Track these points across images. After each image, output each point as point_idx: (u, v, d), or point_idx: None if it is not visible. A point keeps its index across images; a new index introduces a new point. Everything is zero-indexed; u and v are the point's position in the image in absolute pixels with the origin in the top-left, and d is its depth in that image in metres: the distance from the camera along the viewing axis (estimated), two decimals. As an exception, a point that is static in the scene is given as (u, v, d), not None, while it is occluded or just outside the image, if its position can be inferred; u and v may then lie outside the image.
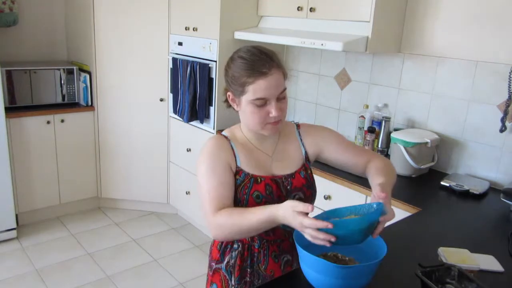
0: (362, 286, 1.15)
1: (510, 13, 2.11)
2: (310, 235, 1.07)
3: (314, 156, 1.44)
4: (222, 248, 1.42)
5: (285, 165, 1.37)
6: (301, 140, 1.42)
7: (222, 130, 1.44)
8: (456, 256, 1.36)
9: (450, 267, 1.22)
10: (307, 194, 1.37)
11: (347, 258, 1.26)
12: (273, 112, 1.24)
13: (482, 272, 1.36)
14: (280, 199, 1.31)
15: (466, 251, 1.41)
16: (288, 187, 1.34)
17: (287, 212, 1.11)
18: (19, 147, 3.32)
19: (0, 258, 3.04)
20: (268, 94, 1.23)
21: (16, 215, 3.37)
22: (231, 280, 1.41)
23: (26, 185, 3.41)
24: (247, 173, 1.31)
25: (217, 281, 1.45)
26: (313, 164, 1.47)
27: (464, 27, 2.28)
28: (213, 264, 1.46)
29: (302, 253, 1.16)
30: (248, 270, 1.39)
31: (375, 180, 1.31)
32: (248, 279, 1.40)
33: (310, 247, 1.21)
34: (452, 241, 1.59)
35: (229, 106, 1.38)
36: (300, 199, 1.34)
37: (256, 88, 1.22)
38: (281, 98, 1.26)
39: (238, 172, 1.31)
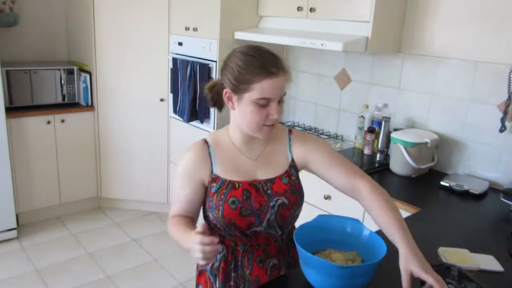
0: (362, 286, 1.15)
1: (510, 13, 2.11)
2: (197, 250, 1.08)
3: (301, 165, 1.39)
4: None
5: (269, 170, 1.34)
6: (290, 146, 1.38)
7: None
8: (456, 256, 1.36)
9: (450, 267, 1.23)
10: (292, 200, 1.33)
11: (341, 256, 1.25)
12: (274, 114, 1.22)
13: (482, 272, 1.36)
14: (261, 204, 1.30)
15: (466, 251, 1.41)
16: (269, 192, 1.31)
17: (190, 240, 1.12)
18: (19, 147, 3.32)
19: (0, 258, 3.04)
20: (273, 95, 1.20)
21: (16, 215, 3.37)
22: (215, 283, 1.40)
23: (26, 185, 3.41)
24: (224, 180, 1.30)
25: (202, 282, 1.44)
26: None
27: (464, 27, 2.28)
28: (199, 265, 1.45)
29: (302, 253, 1.16)
30: (233, 274, 1.37)
31: (395, 239, 1.16)
32: (232, 283, 1.38)
33: (310, 247, 1.22)
34: (452, 241, 1.59)
35: (214, 105, 1.35)
36: (283, 204, 1.31)
37: (263, 87, 1.19)
38: (281, 101, 1.25)
39: (214, 179, 1.31)
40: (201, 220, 1.35)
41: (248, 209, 1.28)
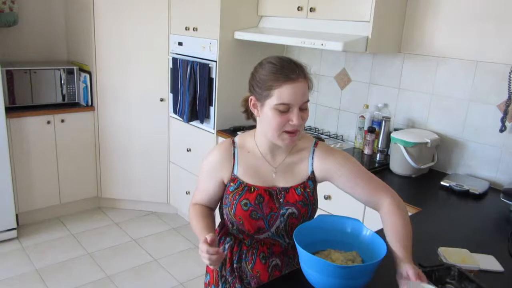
0: (362, 286, 1.15)
1: (510, 13, 2.11)
2: (204, 257, 1.19)
3: (321, 178, 1.39)
4: (218, 238, 1.47)
5: (287, 179, 1.37)
6: (312, 159, 1.38)
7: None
8: (456, 256, 1.36)
9: (450, 267, 1.23)
10: (302, 211, 1.35)
11: (341, 256, 1.25)
12: (294, 120, 1.23)
13: (482, 272, 1.36)
14: (272, 210, 1.34)
15: (466, 251, 1.41)
16: (281, 200, 1.35)
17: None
18: (19, 147, 3.32)
19: (0, 258, 3.04)
20: (293, 100, 1.22)
21: (16, 215, 3.37)
22: (220, 272, 1.46)
23: (26, 185, 3.41)
24: (241, 182, 1.36)
25: (210, 271, 1.50)
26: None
27: (464, 27, 2.28)
28: None
29: (302, 253, 1.16)
30: (235, 265, 1.43)
31: (396, 253, 1.21)
32: (236, 273, 1.43)
33: (310, 247, 1.22)
34: (452, 241, 1.59)
35: (249, 117, 1.40)
36: (292, 214, 1.34)
37: (282, 93, 1.22)
38: (303, 108, 1.26)
39: (233, 180, 1.37)
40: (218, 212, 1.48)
41: (258, 213, 1.33)
